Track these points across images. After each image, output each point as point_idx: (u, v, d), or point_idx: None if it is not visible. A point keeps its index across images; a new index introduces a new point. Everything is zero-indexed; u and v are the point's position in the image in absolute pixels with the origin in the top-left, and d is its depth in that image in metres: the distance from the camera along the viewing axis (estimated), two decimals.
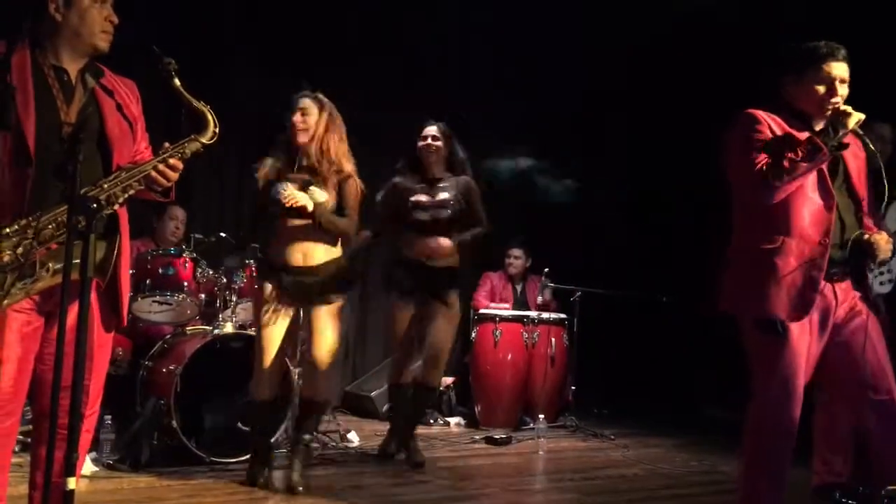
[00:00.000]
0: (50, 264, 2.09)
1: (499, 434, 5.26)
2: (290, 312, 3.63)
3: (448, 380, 6.05)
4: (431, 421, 5.73)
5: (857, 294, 2.78)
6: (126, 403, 4.13)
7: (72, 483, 1.81)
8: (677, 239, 6.53)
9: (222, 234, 4.66)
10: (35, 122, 2.12)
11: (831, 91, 2.70)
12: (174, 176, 2.27)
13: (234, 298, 4.38)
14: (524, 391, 5.77)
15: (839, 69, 2.71)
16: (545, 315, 5.91)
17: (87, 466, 3.65)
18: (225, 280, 4.40)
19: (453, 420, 5.84)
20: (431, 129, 4.34)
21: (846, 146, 2.66)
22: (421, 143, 4.32)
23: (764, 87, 2.88)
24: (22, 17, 2.24)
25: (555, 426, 5.66)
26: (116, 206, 2.20)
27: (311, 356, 3.65)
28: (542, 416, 5.30)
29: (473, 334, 5.86)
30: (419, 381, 4.40)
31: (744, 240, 2.80)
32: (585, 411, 6.09)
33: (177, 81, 2.24)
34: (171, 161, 2.24)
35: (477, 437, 5.25)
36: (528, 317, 5.85)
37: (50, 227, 2.09)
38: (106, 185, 2.17)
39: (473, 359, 5.85)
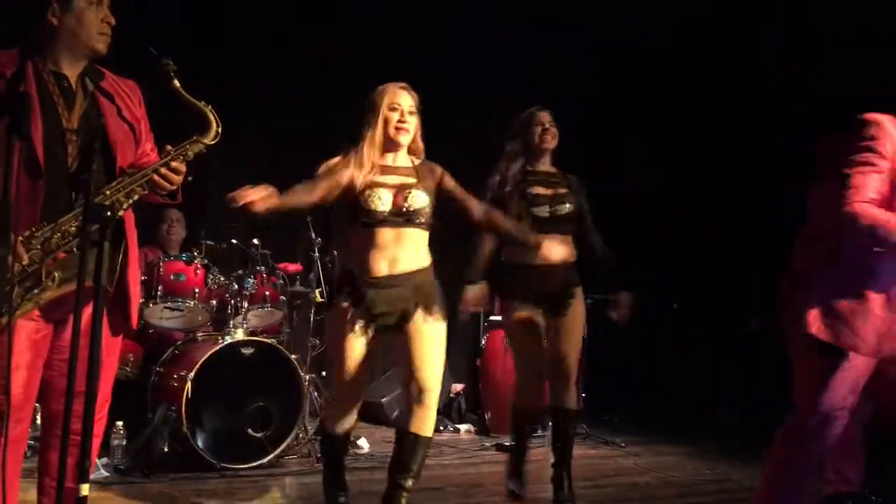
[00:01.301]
0: (56, 273, 2.09)
1: (508, 441, 5.23)
2: (370, 333, 2.98)
3: (458, 387, 6.04)
4: (441, 428, 5.72)
5: None
6: (137, 409, 4.14)
7: (85, 489, 1.81)
8: (688, 245, 6.51)
9: (233, 241, 4.67)
10: (42, 130, 2.12)
11: None
12: (177, 179, 2.26)
13: (245, 305, 4.39)
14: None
15: None
16: None
17: (99, 472, 3.67)
18: (236, 287, 4.42)
19: (463, 427, 5.83)
20: (548, 116, 3.81)
21: None
22: (538, 129, 3.75)
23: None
24: (18, 24, 2.24)
25: None
26: (121, 212, 2.20)
27: (416, 379, 2.95)
28: (552, 423, 5.28)
29: (483, 341, 5.84)
30: (558, 405, 3.69)
31: (834, 262, 2.65)
32: (595, 418, 6.06)
33: (176, 83, 2.23)
34: (174, 164, 2.24)
35: (487, 444, 5.24)
36: None
37: (56, 236, 2.09)
38: (109, 192, 2.16)
39: (483, 365, 5.84)
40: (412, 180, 3.03)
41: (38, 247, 2.07)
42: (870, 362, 2.64)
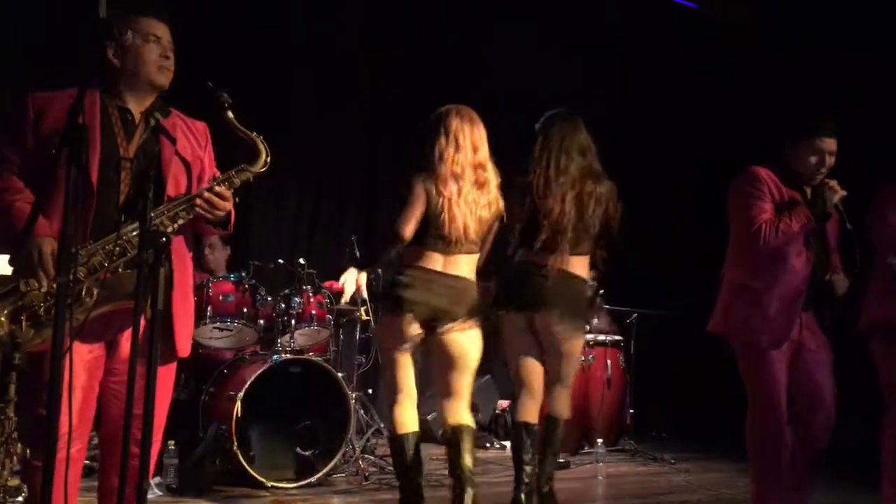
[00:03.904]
0: (94, 290, 2.14)
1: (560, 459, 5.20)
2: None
3: (504, 403, 6.02)
4: (487, 445, 5.70)
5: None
6: (189, 428, 4.20)
7: None
8: None
9: (280, 261, 4.72)
10: (99, 157, 2.21)
11: (821, 163, 3.28)
12: (222, 204, 2.30)
13: (292, 324, 4.43)
14: (581, 415, 5.70)
15: (830, 143, 3.28)
16: (601, 337, 5.85)
17: (152, 491, 3.72)
18: (283, 306, 4.46)
19: (509, 444, 5.79)
20: None
21: (829, 217, 3.31)
22: None
23: (767, 140, 3.49)
24: (88, 65, 2.35)
25: (613, 450, 5.59)
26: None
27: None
28: (600, 440, 5.24)
29: None
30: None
31: (737, 275, 3.39)
32: (644, 435, 6.00)
33: (230, 114, 2.30)
34: (217, 189, 2.28)
35: None
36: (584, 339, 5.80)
37: (98, 256, 2.15)
38: (153, 214, 2.21)
39: None
40: None
41: (83, 265, 2.13)
42: (780, 354, 3.28)
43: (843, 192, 3.26)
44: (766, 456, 3.35)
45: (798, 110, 3.52)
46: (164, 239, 1.89)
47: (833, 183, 3.27)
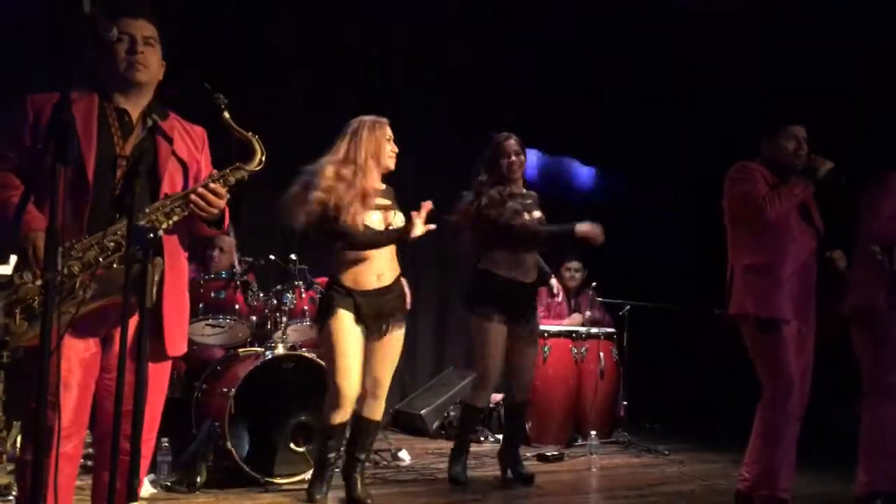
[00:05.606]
0: (90, 284, 2.13)
1: (550, 451, 5.21)
2: (363, 335, 3.65)
3: (497, 396, 6.02)
4: (482, 438, 5.71)
5: None
6: (182, 426, 4.19)
7: None
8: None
9: (272, 257, 4.72)
10: (95, 155, 2.23)
11: (799, 147, 3.54)
12: (217, 201, 2.31)
13: (284, 320, 4.43)
14: (574, 407, 5.72)
15: (802, 130, 3.56)
16: (594, 330, 5.87)
17: (146, 488, 3.72)
18: (275, 302, 4.46)
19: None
20: (514, 144, 4.28)
21: (824, 180, 3.48)
22: (505, 160, 4.25)
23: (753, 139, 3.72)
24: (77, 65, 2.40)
25: (607, 442, 5.60)
26: (160, 232, 2.24)
27: (377, 377, 3.69)
28: (593, 432, 5.25)
29: None
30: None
31: (749, 258, 3.52)
32: (638, 427, 6.01)
33: (227, 115, 2.33)
34: (212, 185, 2.30)
35: (528, 454, 5.21)
36: (576, 332, 5.82)
37: (93, 251, 2.15)
38: (148, 211, 2.24)
39: None
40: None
41: (77, 259, 2.13)
42: (795, 327, 3.45)
43: (831, 163, 3.47)
44: (784, 435, 3.43)
45: (768, 105, 3.74)
46: (151, 235, 1.88)
47: (818, 156, 3.51)
